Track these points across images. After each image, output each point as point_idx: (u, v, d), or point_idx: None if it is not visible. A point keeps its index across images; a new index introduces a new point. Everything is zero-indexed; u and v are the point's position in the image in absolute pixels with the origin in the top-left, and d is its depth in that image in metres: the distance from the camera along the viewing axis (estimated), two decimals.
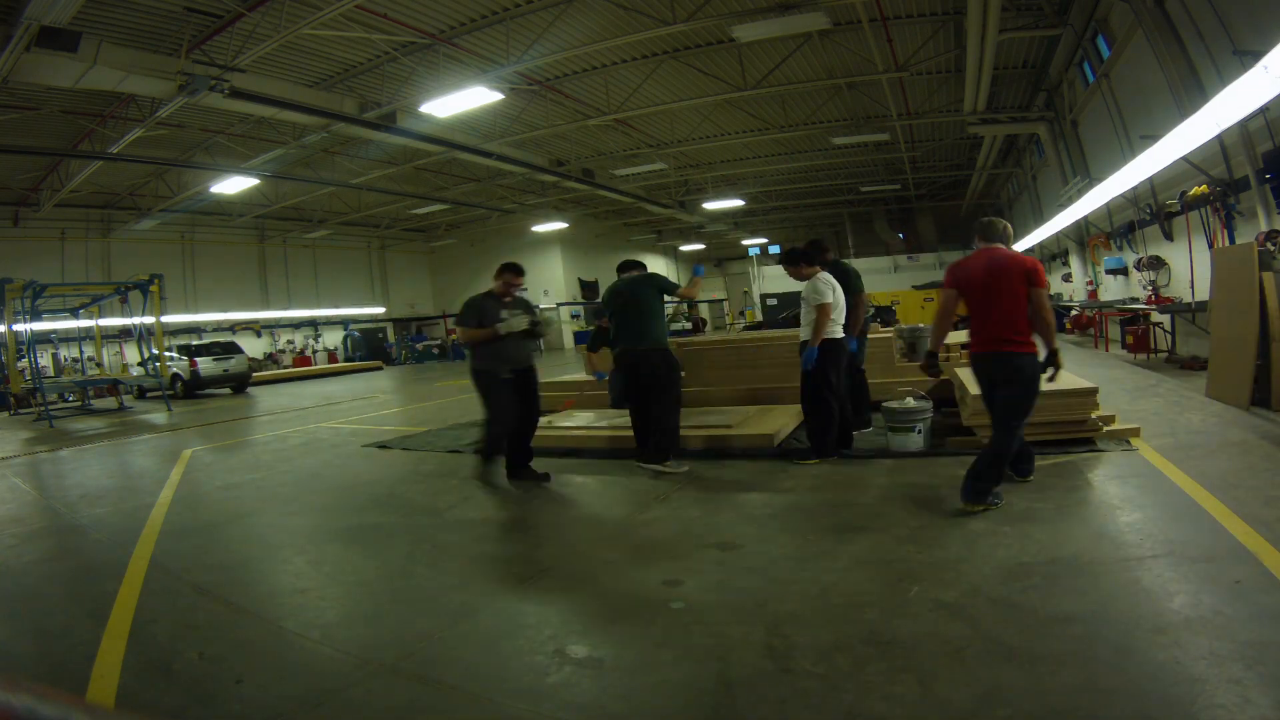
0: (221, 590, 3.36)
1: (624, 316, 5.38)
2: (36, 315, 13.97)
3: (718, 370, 7.54)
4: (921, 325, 7.70)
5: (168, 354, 16.46)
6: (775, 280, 25.57)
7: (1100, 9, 9.84)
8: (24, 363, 14.65)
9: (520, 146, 16.43)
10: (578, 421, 6.61)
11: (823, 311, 4.93)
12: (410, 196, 21.43)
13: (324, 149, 16.17)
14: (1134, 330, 10.01)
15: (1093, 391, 4.78)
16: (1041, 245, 18.80)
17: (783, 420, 5.88)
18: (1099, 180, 10.49)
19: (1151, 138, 7.61)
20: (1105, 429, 4.89)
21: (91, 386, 15.81)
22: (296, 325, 26.48)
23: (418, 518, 4.55)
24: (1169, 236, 9.59)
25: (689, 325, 33.34)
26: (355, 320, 28.27)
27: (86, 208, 19.10)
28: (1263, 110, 5.61)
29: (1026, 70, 13.52)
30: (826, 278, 5.13)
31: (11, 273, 13.44)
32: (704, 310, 41.13)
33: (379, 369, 24.66)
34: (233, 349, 18.35)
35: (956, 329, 6.84)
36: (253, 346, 23.73)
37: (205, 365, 17.18)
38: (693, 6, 9.94)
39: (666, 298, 5.57)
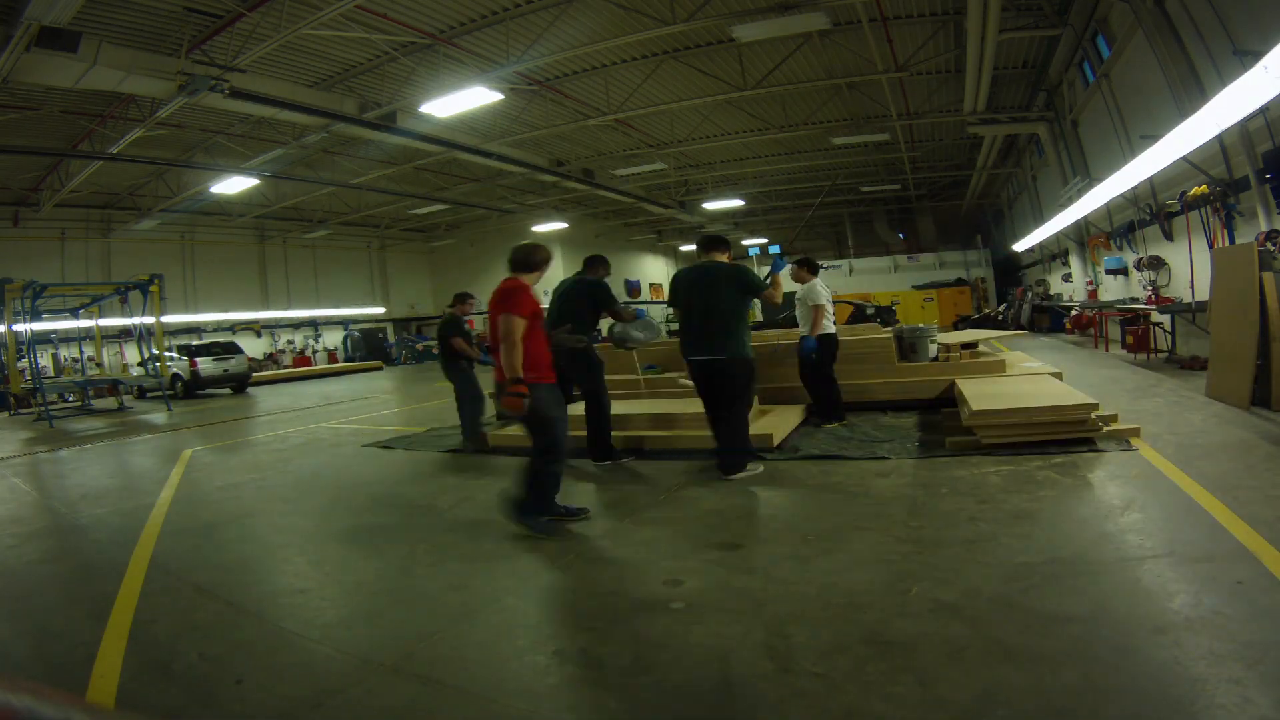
0: (221, 590, 3.36)
1: (693, 317, 4.81)
2: (36, 315, 13.97)
3: None
4: (922, 325, 7.71)
5: (168, 354, 16.46)
6: None
7: (1100, 9, 9.84)
8: (24, 363, 14.65)
9: (520, 146, 16.42)
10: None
11: (819, 311, 6.14)
12: (410, 196, 21.43)
13: (324, 149, 16.16)
14: (1134, 330, 10.01)
15: (1094, 406, 4.83)
16: (1041, 245, 18.80)
17: (783, 420, 5.89)
18: (1099, 180, 10.49)
19: (1151, 138, 7.60)
20: (1105, 429, 4.89)
21: (91, 386, 15.81)
22: (296, 325, 26.47)
23: (417, 518, 4.55)
24: (1169, 236, 9.59)
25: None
26: (355, 320, 28.27)
27: (86, 208, 19.09)
28: (1263, 110, 5.61)
29: (1026, 70, 13.51)
30: (821, 284, 6.34)
31: (11, 273, 13.45)
32: None
33: (379, 369, 24.66)
34: (233, 349, 18.36)
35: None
36: (253, 347, 23.73)
37: (205, 365, 17.18)
38: (693, 6, 9.94)
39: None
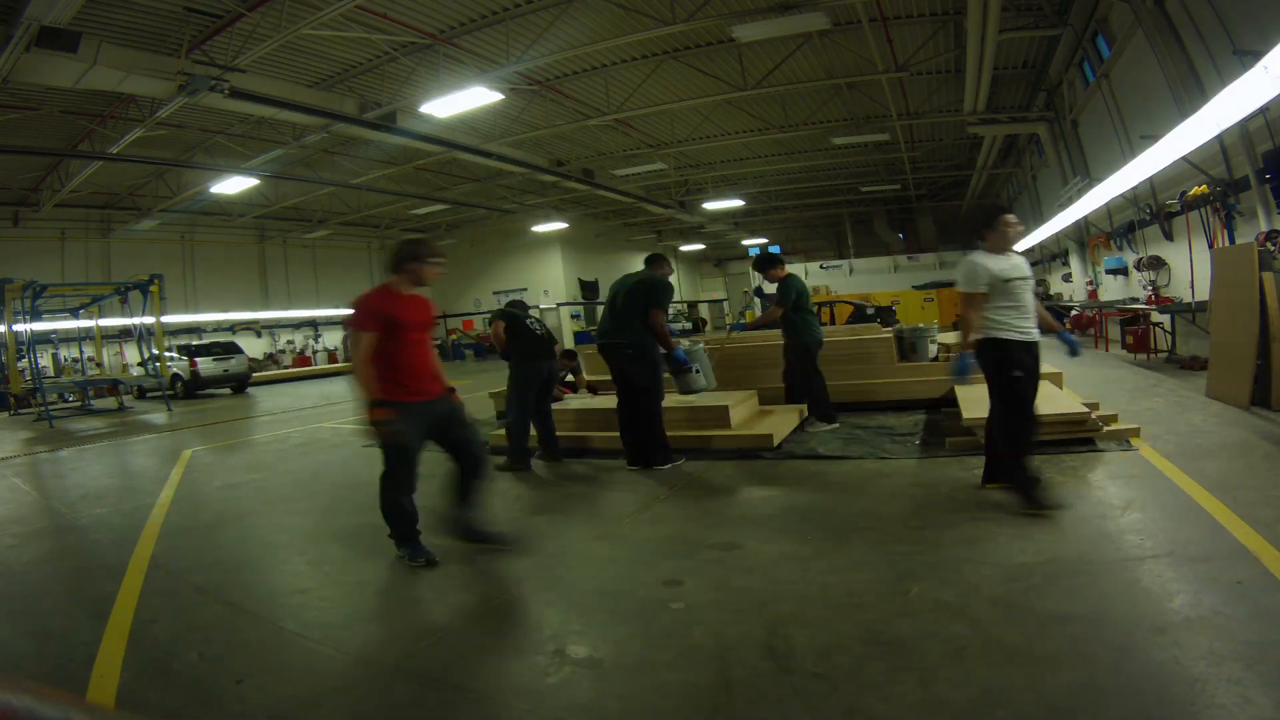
0: (221, 590, 3.36)
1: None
2: (36, 315, 13.97)
3: (720, 370, 7.53)
4: (922, 325, 7.71)
5: (168, 354, 16.45)
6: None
7: (1100, 9, 9.84)
8: (24, 363, 14.65)
9: (520, 146, 16.42)
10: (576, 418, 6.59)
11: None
12: (410, 196, 21.42)
13: (324, 149, 16.16)
14: (1134, 330, 10.01)
15: (1086, 415, 4.84)
16: (1042, 245, 18.79)
17: (783, 421, 5.89)
18: (1099, 180, 10.49)
19: (1151, 138, 7.60)
20: (1105, 429, 4.89)
21: (91, 386, 15.80)
22: (296, 325, 26.47)
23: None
24: (1169, 236, 9.59)
25: (689, 325, 33.29)
26: None
27: (86, 208, 19.09)
28: (1263, 110, 5.61)
29: (1026, 70, 13.51)
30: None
31: (11, 273, 13.44)
32: (704, 310, 41.09)
33: None
34: (233, 349, 18.35)
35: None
36: (253, 347, 23.71)
37: (205, 365, 17.18)
38: (693, 6, 9.94)
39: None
